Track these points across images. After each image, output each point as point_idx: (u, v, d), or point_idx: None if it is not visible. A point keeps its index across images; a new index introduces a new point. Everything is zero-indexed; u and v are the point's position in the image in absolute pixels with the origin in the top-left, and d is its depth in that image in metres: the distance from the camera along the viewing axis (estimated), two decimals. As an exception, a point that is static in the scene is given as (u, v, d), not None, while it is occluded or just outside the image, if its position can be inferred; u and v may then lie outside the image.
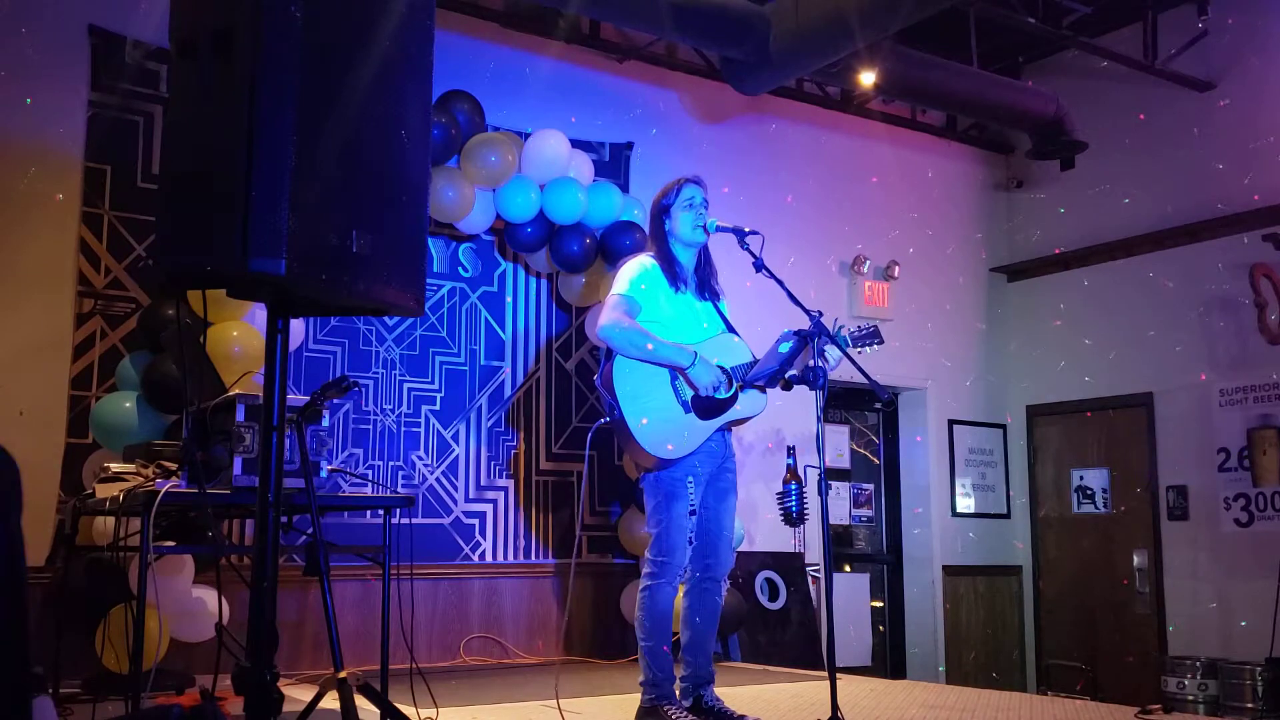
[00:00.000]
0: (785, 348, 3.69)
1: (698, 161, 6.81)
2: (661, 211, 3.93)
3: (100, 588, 4.49)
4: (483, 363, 6.40)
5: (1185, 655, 7.19)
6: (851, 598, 7.89)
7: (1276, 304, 7.25)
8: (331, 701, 2.76)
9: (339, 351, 5.95)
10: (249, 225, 2.18)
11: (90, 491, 4.04)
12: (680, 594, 3.86)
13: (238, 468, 3.62)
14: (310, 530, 2.90)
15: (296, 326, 5.27)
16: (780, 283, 3.70)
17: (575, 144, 6.17)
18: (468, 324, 6.38)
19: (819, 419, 3.50)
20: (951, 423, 8.44)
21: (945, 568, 8.17)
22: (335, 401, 5.51)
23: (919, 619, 8.18)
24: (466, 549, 6.17)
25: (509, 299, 6.53)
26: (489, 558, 6.24)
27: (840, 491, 8.13)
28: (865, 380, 3.64)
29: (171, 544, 3.97)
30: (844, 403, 8.10)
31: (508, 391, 6.45)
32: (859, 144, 8.17)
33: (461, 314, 6.37)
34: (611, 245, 6.08)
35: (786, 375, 3.69)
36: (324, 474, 3.89)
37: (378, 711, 2.85)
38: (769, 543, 7.00)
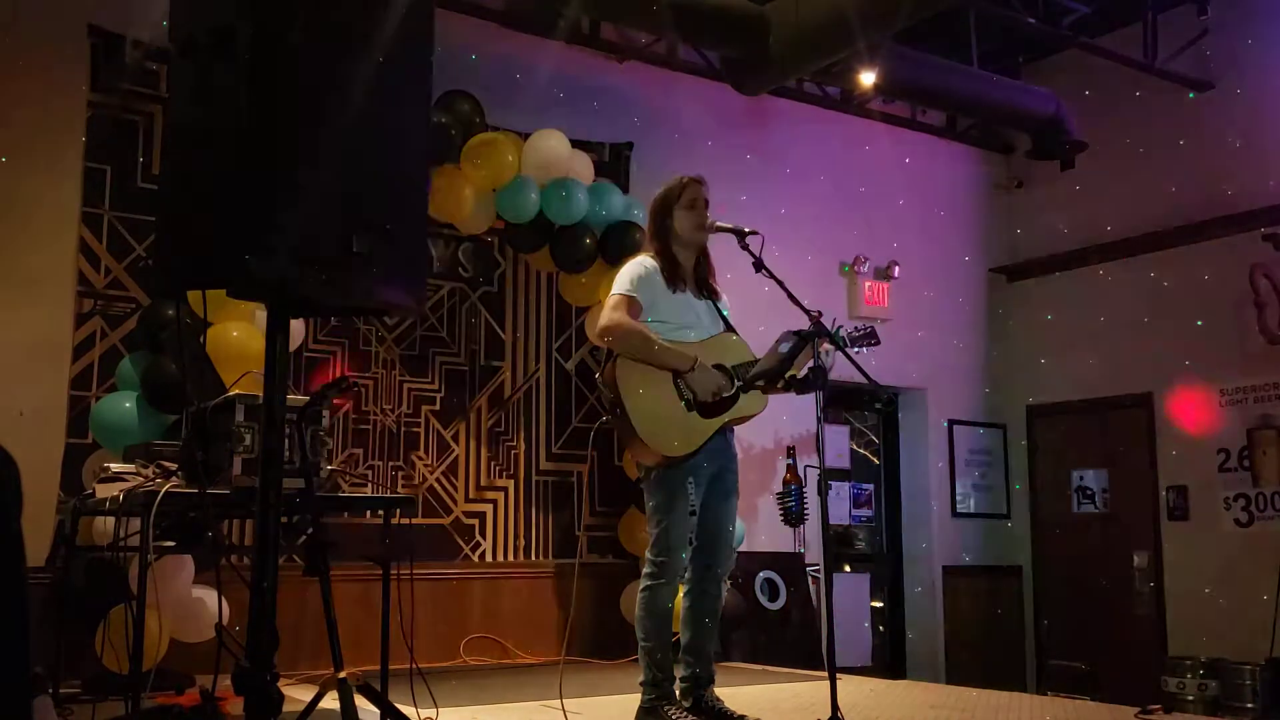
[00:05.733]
0: (785, 348, 3.68)
1: (698, 161, 6.77)
2: (663, 209, 3.92)
3: (100, 588, 4.48)
4: (483, 363, 6.40)
5: (1185, 655, 7.19)
6: (851, 598, 7.89)
7: (1276, 304, 7.25)
8: (331, 701, 2.76)
9: (339, 351, 5.95)
10: (249, 225, 2.18)
11: (90, 491, 4.04)
12: (681, 594, 3.86)
13: (238, 468, 3.62)
14: (310, 530, 2.90)
15: (296, 326, 5.27)
16: (780, 283, 3.69)
17: (575, 144, 6.15)
18: (468, 324, 6.38)
19: (819, 419, 3.49)
20: (951, 423, 8.44)
21: (945, 568, 8.17)
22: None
23: (919, 619, 8.18)
24: (466, 549, 6.17)
25: (509, 299, 6.53)
26: (489, 558, 6.24)
27: (840, 491, 8.12)
28: (865, 380, 3.64)
29: (171, 544, 3.96)
30: (844, 403, 8.09)
31: (508, 391, 6.45)
32: (859, 144, 8.16)
33: (461, 314, 6.37)
34: (611, 245, 6.07)
35: (786, 375, 3.69)
36: (324, 474, 3.89)
37: (378, 711, 2.85)
38: (769, 543, 7.00)
